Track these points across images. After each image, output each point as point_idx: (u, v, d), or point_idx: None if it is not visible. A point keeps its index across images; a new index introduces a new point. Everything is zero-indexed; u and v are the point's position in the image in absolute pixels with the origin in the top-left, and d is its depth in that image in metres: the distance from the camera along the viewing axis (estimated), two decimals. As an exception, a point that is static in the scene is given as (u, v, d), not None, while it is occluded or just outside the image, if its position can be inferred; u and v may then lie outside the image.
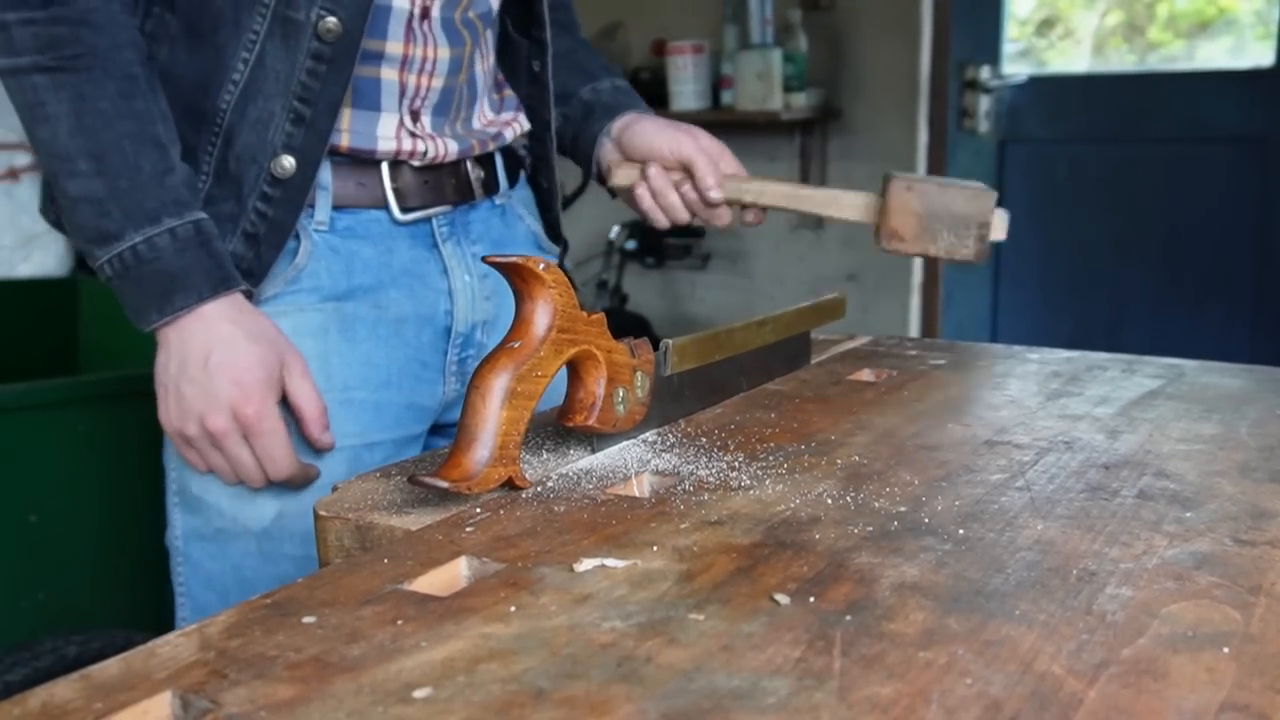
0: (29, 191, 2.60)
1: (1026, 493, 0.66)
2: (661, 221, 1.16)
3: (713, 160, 1.13)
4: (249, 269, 0.93)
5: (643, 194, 1.14)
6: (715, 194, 1.12)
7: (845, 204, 1.13)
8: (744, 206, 1.15)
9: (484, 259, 0.70)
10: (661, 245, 3.44)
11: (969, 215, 1.09)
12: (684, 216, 1.16)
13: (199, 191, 0.92)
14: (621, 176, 1.17)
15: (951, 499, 0.65)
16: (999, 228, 1.10)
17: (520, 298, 0.69)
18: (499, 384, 0.66)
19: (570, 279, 1.15)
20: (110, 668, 0.45)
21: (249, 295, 0.93)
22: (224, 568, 0.99)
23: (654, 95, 3.29)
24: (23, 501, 1.77)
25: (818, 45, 3.17)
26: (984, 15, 3.08)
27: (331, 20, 0.90)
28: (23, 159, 2.59)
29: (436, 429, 1.09)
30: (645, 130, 1.14)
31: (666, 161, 1.13)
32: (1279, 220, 2.86)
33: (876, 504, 0.64)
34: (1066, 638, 0.48)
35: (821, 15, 3.18)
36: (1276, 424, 0.81)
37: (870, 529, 0.60)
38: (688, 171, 1.13)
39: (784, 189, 1.14)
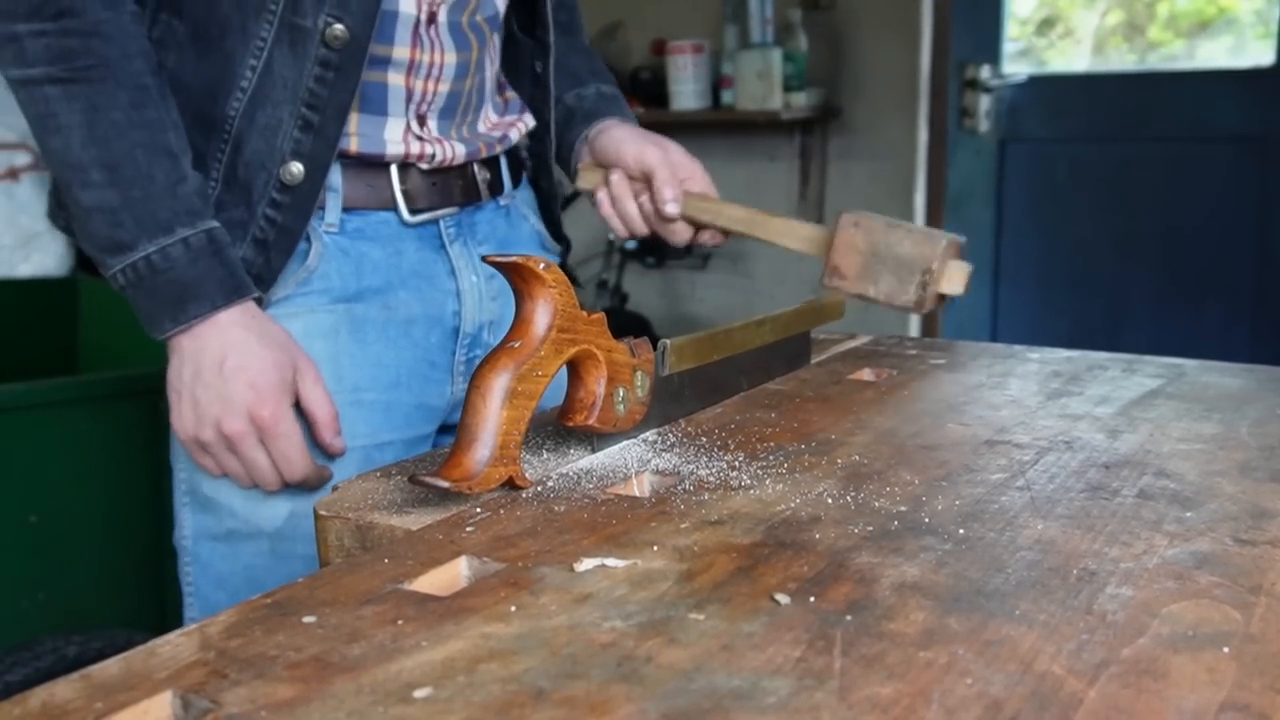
0: (29, 191, 2.59)
1: (1026, 492, 0.66)
2: (620, 230, 1.15)
3: (675, 174, 1.11)
4: (259, 275, 0.93)
5: (603, 199, 1.13)
6: (670, 208, 1.10)
7: (799, 236, 1.11)
8: (700, 226, 1.13)
9: (484, 258, 0.70)
10: (662, 245, 3.44)
11: (913, 259, 1.05)
12: (641, 228, 1.14)
13: (210, 199, 0.93)
14: (584, 179, 1.15)
15: (951, 499, 0.65)
16: (954, 280, 1.05)
17: (520, 297, 0.69)
18: (499, 384, 0.66)
19: (574, 277, 1.16)
20: (110, 668, 0.45)
21: (259, 301, 0.93)
22: (235, 568, 0.99)
23: (654, 95, 3.30)
24: (23, 501, 1.77)
25: (818, 45, 3.18)
26: (984, 14, 3.08)
27: (339, 27, 0.90)
28: (22, 158, 2.59)
29: (445, 429, 1.09)
30: (615, 137, 1.13)
31: (629, 169, 1.12)
32: (1279, 220, 2.86)
33: (877, 504, 0.64)
34: (1067, 637, 0.48)
35: (821, 15, 3.18)
36: (1276, 424, 0.81)
37: (870, 529, 0.60)
38: (649, 182, 1.11)
39: (743, 213, 1.12)
